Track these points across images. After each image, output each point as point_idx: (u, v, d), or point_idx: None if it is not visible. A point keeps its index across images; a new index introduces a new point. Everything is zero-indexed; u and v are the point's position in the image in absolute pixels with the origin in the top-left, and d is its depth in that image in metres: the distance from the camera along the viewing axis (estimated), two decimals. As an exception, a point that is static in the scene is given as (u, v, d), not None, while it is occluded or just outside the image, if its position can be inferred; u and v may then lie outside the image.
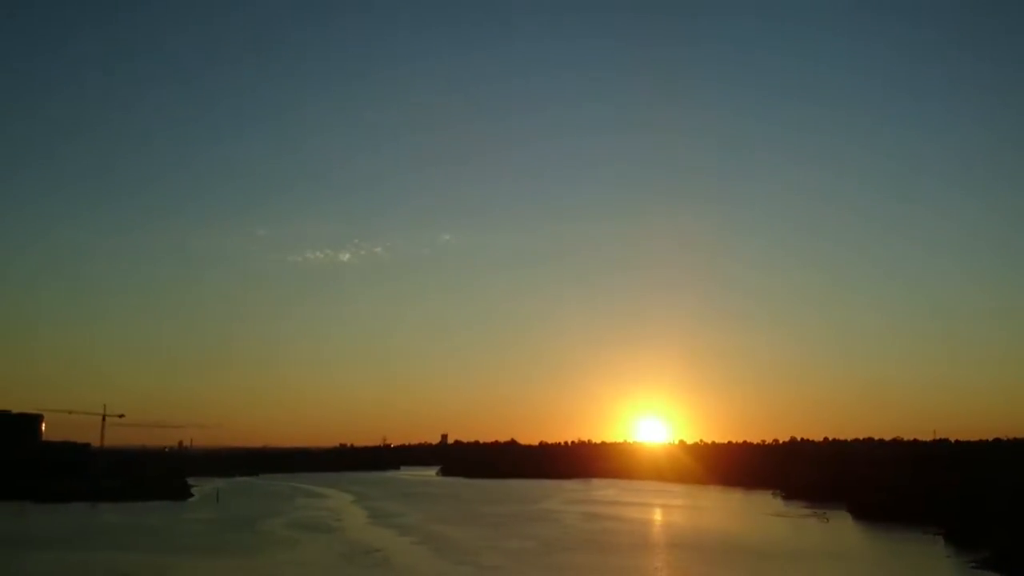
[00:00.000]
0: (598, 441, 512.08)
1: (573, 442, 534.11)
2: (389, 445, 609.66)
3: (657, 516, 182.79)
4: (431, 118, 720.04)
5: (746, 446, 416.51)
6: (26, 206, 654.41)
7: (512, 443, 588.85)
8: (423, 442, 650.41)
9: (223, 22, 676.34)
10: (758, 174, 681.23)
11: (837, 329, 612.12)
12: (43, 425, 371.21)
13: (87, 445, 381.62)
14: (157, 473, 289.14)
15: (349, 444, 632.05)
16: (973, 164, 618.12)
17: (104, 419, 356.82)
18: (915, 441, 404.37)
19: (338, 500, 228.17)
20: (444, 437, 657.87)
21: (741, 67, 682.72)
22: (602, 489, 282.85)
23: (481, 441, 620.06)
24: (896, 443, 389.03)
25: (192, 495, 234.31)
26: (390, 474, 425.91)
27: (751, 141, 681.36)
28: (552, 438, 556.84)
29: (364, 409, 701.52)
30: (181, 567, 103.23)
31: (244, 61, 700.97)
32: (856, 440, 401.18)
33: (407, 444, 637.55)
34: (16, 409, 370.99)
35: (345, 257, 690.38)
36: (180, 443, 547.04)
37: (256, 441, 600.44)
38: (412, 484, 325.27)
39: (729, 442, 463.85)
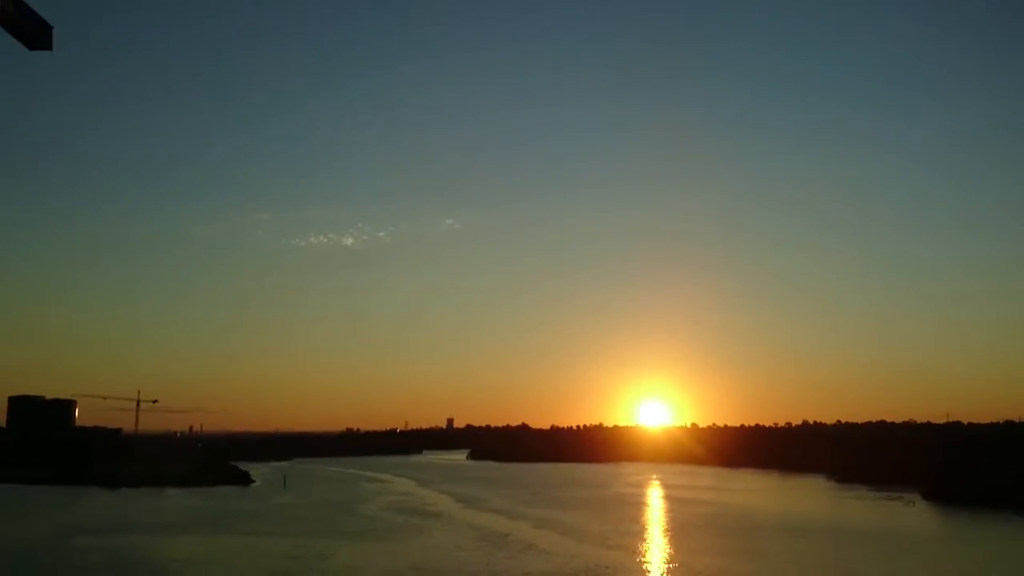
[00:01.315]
0: (609, 425, 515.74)
1: (586, 426, 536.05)
2: (411, 429, 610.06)
3: (738, 500, 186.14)
4: (436, 109, 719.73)
5: (777, 429, 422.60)
6: (43, 199, 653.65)
7: (524, 427, 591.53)
8: (434, 426, 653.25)
9: (232, 15, 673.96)
10: (760, 163, 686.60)
11: (843, 313, 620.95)
12: (77, 411, 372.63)
13: (119, 430, 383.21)
14: (200, 460, 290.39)
15: (357, 428, 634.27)
16: (981, 153, 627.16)
17: (138, 404, 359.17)
18: (928, 424, 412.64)
19: (403, 485, 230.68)
20: (450, 421, 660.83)
21: (746, 64, 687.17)
22: (647, 473, 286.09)
23: (493, 425, 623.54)
24: (933, 427, 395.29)
25: (254, 481, 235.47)
26: (419, 458, 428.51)
27: (753, 134, 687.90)
28: (561, 422, 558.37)
29: (370, 393, 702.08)
30: (341, 550, 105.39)
31: (250, 54, 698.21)
32: (883, 422, 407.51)
33: (418, 428, 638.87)
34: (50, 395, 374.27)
35: (348, 242, 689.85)
36: (191, 428, 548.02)
37: (259, 426, 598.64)
38: (454, 469, 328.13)
39: (757, 425, 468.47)
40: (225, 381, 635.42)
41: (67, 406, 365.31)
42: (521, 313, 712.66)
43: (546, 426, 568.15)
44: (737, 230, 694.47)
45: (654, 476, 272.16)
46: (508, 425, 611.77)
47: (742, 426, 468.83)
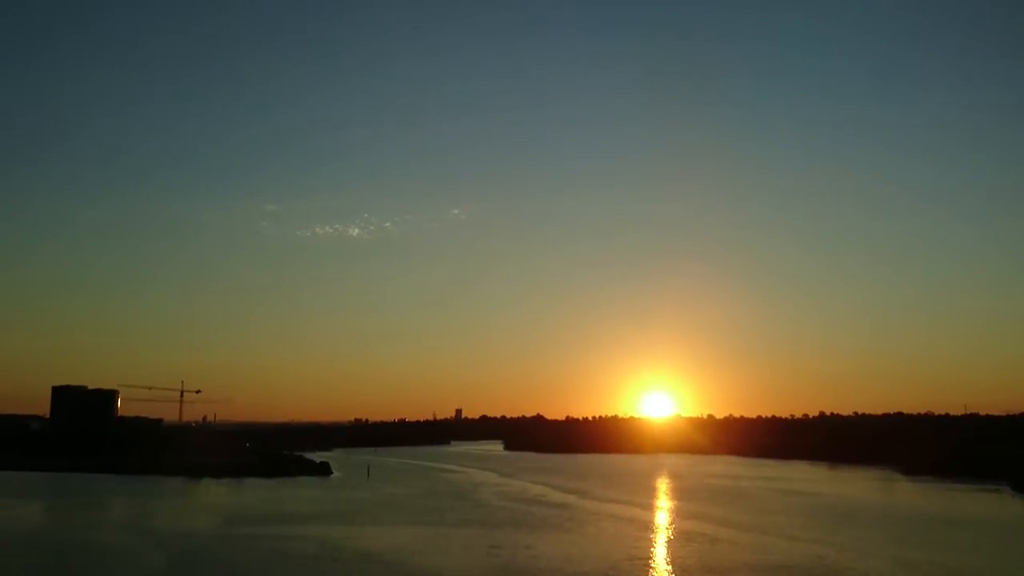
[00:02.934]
0: (624, 416, 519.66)
1: (602, 417, 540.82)
2: (439, 419, 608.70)
3: (836, 490, 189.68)
4: (443, 101, 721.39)
5: (809, 420, 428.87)
6: (52, 190, 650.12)
7: (539, 418, 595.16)
8: (446, 417, 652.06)
9: (241, 9, 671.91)
10: (764, 157, 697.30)
11: (849, 304, 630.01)
12: (119, 401, 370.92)
13: (160, 421, 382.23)
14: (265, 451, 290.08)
15: (365, 419, 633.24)
16: (991, 145, 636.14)
17: (182, 395, 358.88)
18: (947, 415, 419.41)
19: (484, 475, 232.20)
20: (458, 412, 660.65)
21: (748, 60, 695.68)
22: (699, 464, 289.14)
23: (508, 416, 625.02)
24: (952, 418, 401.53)
25: (332, 471, 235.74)
26: (453, 449, 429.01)
27: (757, 128, 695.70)
28: (572, 413, 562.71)
29: (376, 383, 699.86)
30: (535, 541, 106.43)
31: (259, 47, 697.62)
32: (931, 414, 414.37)
33: (431, 419, 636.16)
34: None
35: (355, 232, 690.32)
36: (204, 417, 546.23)
37: (264, 416, 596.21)
38: (506, 459, 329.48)
39: (773, 416, 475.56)
40: (231, 371, 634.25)
41: (109, 396, 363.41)
42: (527, 304, 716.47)
43: (560, 417, 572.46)
44: (741, 223, 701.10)
45: (716, 466, 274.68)
46: (523, 416, 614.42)
47: (759, 417, 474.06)
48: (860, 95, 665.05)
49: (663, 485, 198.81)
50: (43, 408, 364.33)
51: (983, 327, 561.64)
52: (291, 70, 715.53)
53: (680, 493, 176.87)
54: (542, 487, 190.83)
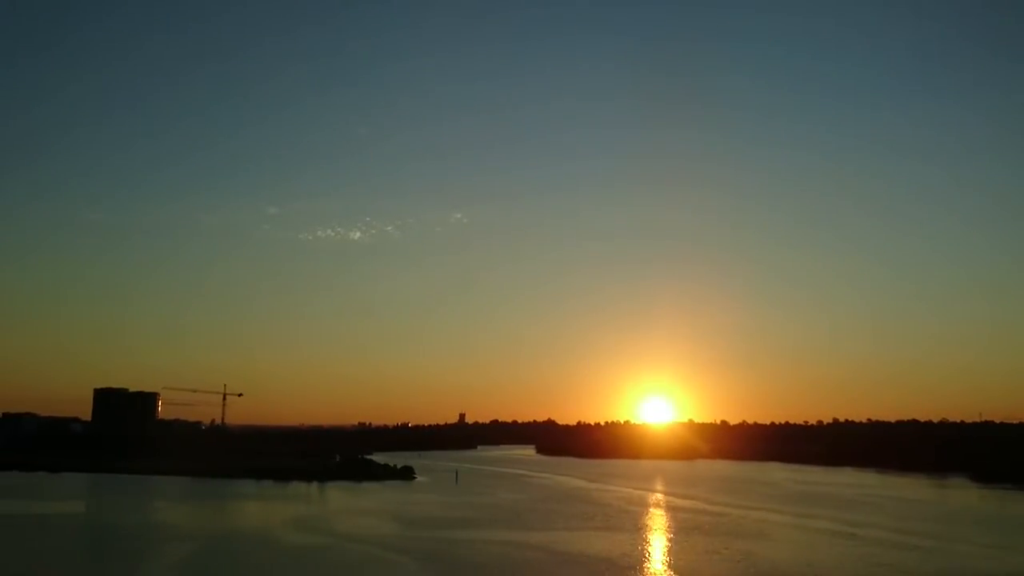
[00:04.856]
0: (636, 422, 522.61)
1: (614, 422, 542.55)
2: (468, 423, 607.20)
3: (941, 497, 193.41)
4: (445, 104, 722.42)
5: (840, 426, 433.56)
6: (49, 191, 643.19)
7: (551, 423, 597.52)
8: (449, 422, 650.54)
9: (242, 10, 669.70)
10: (763, 161, 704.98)
11: (859, 308, 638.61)
12: (159, 403, 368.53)
13: (198, 423, 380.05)
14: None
15: (368, 423, 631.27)
16: (998, 147, 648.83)
17: (224, 398, 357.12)
18: (961, 423, 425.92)
19: (566, 480, 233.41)
20: (462, 416, 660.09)
21: (748, 62, 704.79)
22: (764, 472, 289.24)
23: (520, 420, 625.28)
24: (968, 426, 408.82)
25: (416, 476, 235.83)
26: (489, 453, 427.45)
27: (756, 131, 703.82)
28: (581, 418, 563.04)
29: (379, 388, 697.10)
30: (732, 544, 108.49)
31: (259, 48, 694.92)
32: (946, 421, 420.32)
33: (436, 424, 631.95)
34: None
35: (356, 236, 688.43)
36: (212, 421, 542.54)
37: (263, 419, 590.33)
38: (555, 465, 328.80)
39: (787, 422, 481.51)
40: (231, 373, 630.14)
41: (150, 399, 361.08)
42: (529, 308, 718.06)
43: (571, 422, 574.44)
44: (743, 226, 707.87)
45: (774, 473, 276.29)
46: (535, 420, 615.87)
47: (772, 423, 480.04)
48: (863, 97, 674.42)
49: (772, 492, 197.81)
50: (84, 410, 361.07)
51: (992, 333, 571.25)
52: (292, 70, 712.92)
53: (802, 500, 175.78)
54: (651, 493, 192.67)
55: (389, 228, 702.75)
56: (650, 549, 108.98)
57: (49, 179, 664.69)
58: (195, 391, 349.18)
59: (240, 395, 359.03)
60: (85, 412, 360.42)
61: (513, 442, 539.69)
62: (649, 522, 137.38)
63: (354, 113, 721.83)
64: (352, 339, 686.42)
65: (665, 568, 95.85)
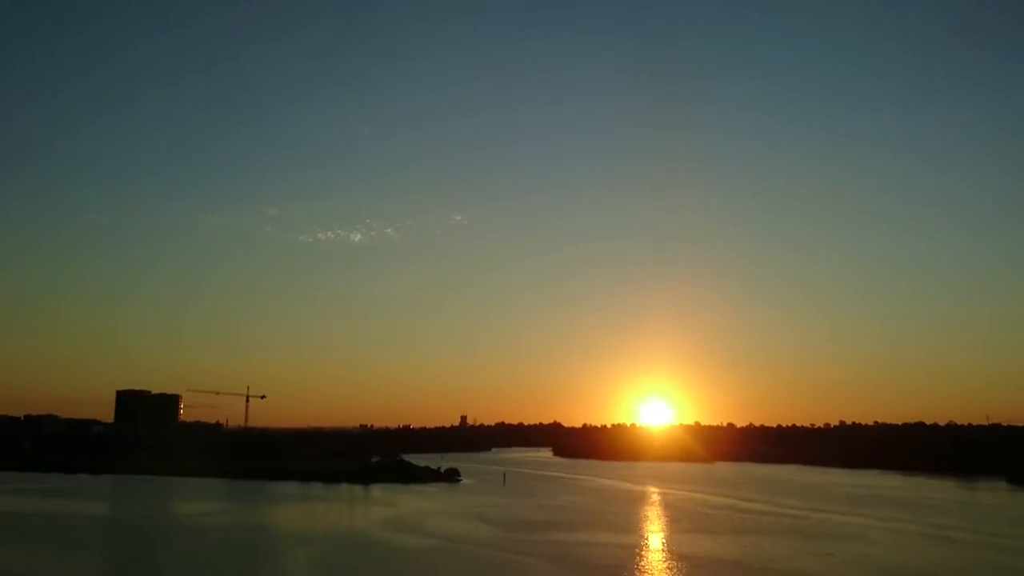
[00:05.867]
0: (640, 425, 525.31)
1: (620, 425, 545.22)
2: (477, 425, 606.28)
3: (994, 501, 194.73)
4: (446, 106, 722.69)
5: (848, 428, 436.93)
6: (51, 190, 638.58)
7: (556, 424, 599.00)
8: (451, 424, 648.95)
9: (242, 11, 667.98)
10: (761, 162, 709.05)
11: (859, 311, 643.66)
12: (182, 405, 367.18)
13: (218, 425, 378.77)
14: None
15: (370, 425, 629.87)
16: (999, 149, 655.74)
17: (247, 400, 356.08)
18: (969, 426, 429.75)
19: (609, 483, 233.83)
20: (464, 419, 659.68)
21: (746, 63, 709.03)
22: (793, 474, 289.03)
23: (526, 423, 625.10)
24: (976, 428, 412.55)
25: (461, 478, 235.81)
26: (507, 455, 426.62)
27: (754, 133, 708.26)
28: (585, 421, 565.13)
29: (379, 390, 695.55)
30: (843, 546, 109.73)
31: (259, 49, 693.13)
32: (954, 424, 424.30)
33: (441, 426, 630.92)
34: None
35: (356, 238, 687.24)
36: (216, 422, 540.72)
37: (264, 421, 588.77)
38: (579, 466, 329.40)
39: (793, 425, 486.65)
40: (230, 375, 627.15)
41: (172, 400, 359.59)
42: (529, 310, 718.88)
43: (575, 424, 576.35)
44: (743, 227, 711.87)
45: (807, 475, 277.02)
46: (540, 423, 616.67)
47: (779, 426, 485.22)
48: (863, 98, 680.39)
49: (825, 494, 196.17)
50: (107, 412, 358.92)
51: (991, 336, 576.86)
52: (292, 70, 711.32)
53: (863, 503, 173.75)
54: (706, 496, 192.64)
55: (389, 230, 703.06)
56: (760, 551, 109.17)
57: (49, 179, 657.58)
58: (218, 393, 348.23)
59: (263, 397, 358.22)
60: (104, 414, 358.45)
61: (520, 444, 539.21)
62: (736, 524, 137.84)
63: (354, 114, 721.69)
64: (352, 341, 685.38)
65: (795, 570, 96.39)
